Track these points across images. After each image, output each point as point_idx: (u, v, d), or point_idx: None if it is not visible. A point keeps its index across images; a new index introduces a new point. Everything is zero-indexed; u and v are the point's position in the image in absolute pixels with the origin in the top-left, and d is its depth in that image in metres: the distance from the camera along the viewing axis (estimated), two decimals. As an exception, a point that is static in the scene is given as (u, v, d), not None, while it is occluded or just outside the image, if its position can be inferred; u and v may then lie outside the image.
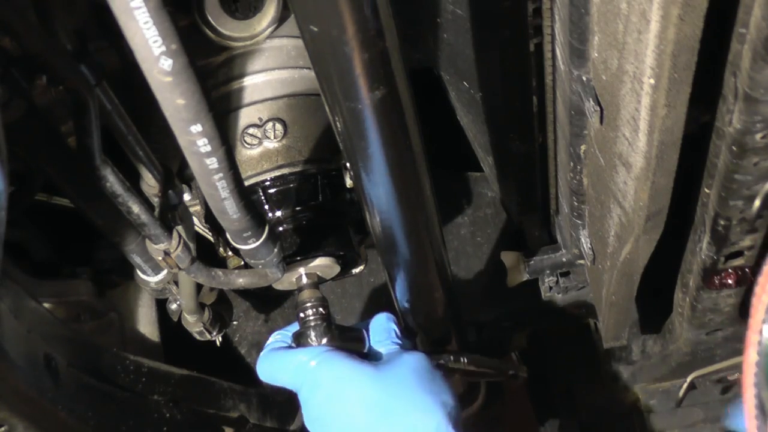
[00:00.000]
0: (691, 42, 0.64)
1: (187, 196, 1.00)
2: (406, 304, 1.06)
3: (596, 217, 1.03)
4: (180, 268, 0.90)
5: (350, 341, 1.02)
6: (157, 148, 0.91)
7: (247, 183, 1.04)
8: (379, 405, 0.93)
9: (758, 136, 0.73)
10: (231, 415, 1.17)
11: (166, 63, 0.58)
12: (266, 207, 1.04)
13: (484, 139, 1.22)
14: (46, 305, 1.11)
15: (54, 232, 1.27)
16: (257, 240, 0.85)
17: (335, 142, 0.92)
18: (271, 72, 1.06)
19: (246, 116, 1.06)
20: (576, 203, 1.08)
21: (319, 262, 1.06)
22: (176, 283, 1.06)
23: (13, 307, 0.81)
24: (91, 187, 0.82)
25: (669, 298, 1.14)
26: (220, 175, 0.71)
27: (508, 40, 0.98)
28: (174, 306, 1.14)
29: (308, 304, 1.02)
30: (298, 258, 1.04)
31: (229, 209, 0.77)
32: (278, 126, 1.05)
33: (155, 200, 0.90)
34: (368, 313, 1.11)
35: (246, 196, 0.78)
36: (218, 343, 1.23)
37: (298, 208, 1.05)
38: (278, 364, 0.99)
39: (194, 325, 1.16)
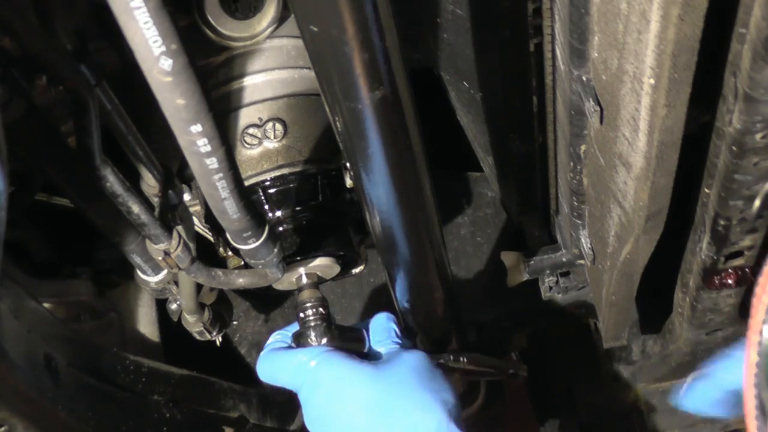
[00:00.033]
0: (691, 42, 0.64)
1: (187, 196, 1.00)
2: (406, 304, 1.06)
3: (596, 217, 1.03)
4: (180, 268, 0.90)
5: (350, 341, 1.02)
6: (157, 148, 0.91)
7: (247, 183, 1.04)
8: (380, 404, 0.93)
9: (758, 136, 0.73)
10: (231, 415, 1.17)
11: (166, 63, 0.58)
12: (266, 207, 1.04)
13: (484, 139, 1.22)
14: (46, 305, 1.11)
15: (54, 232, 1.27)
16: (257, 240, 0.85)
17: (335, 142, 0.92)
18: (271, 72, 1.06)
19: (246, 116, 1.06)
20: (576, 203, 1.08)
21: (319, 262, 1.06)
22: (176, 283, 1.06)
23: (13, 307, 0.81)
24: (91, 187, 0.82)
25: (669, 298, 1.14)
26: (220, 175, 0.71)
27: (508, 40, 0.98)
28: (174, 306, 1.13)
29: (308, 304, 1.02)
30: (298, 258, 1.04)
31: (229, 209, 0.77)
32: (278, 126, 1.05)
33: (155, 200, 0.90)
34: (368, 313, 1.11)
35: (246, 196, 0.78)
36: (218, 343, 1.23)
37: (298, 208, 1.05)
38: (278, 364, 0.99)
39: (194, 325, 1.15)
